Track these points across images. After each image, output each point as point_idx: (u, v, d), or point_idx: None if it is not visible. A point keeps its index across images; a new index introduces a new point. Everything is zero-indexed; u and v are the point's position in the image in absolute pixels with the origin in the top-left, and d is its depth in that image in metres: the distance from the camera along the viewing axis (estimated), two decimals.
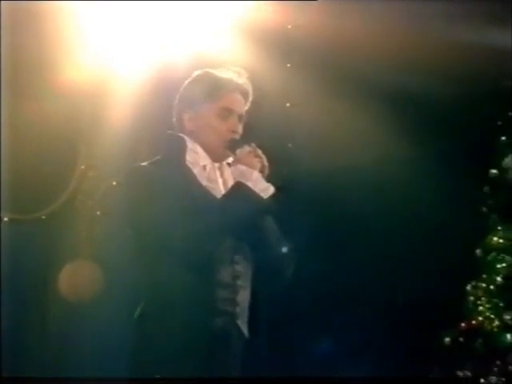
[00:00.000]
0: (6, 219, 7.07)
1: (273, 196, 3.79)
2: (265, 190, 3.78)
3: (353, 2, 6.86)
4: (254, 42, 6.83)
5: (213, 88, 3.93)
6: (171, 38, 6.82)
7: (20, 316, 7.15)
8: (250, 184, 3.77)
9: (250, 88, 3.98)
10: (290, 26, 6.88)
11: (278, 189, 3.83)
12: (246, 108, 3.99)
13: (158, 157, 3.90)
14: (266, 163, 3.87)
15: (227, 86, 3.93)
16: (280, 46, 6.96)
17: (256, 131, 4.11)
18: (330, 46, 6.84)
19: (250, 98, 3.99)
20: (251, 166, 3.81)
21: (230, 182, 3.90)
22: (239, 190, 3.75)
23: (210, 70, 4.00)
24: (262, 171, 3.83)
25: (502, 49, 6.79)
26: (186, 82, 4.03)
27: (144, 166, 3.84)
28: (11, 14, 6.65)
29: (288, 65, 7.05)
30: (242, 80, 3.96)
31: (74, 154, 7.33)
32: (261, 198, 3.76)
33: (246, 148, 3.87)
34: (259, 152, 3.87)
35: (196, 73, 4.03)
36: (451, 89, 6.80)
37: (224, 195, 3.84)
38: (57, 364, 7.01)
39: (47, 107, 6.76)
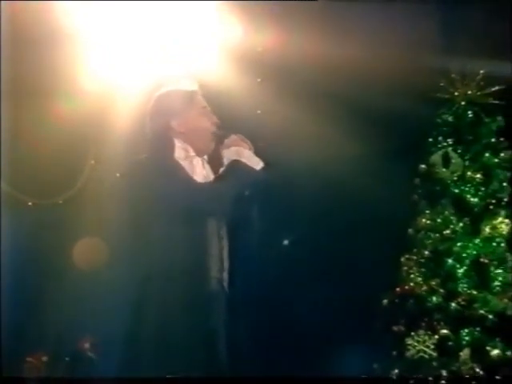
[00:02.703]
0: (30, 204, 7.39)
1: (263, 168, 3.99)
2: (256, 163, 3.99)
3: (312, 26, 6.97)
4: (232, 61, 6.98)
5: (189, 96, 4.14)
6: (159, 57, 6.86)
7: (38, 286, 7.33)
8: (244, 160, 3.97)
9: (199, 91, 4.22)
10: (260, 49, 7.00)
11: (266, 163, 4.03)
12: None
13: (146, 155, 4.02)
14: (251, 146, 4.09)
15: (195, 92, 4.18)
16: (252, 65, 7.05)
17: (233, 133, 4.24)
18: (293, 63, 7.01)
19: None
20: (242, 147, 4.05)
21: (210, 174, 4.08)
22: (237, 164, 3.96)
23: (174, 86, 4.19)
24: (250, 150, 4.05)
25: (431, 69, 7.03)
26: (158, 97, 4.17)
27: (142, 158, 4.01)
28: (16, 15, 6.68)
29: (258, 79, 7.19)
30: (196, 86, 4.20)
31: (85, 151, 7.54)
32: (255, 169, 3.96)
33: (233, 136, 4.08)
34: (244, 138, 4.10)
35: (163, 90, 4.18)
36: (391, 100, 6.88)
37: (223, 171, 4.02)
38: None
39: (66, 115, 6.93)
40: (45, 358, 6.93)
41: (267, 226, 4.18)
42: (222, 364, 3.87)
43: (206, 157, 4.12)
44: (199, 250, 3.88)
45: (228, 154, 4.04)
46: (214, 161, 4.13)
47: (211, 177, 4.06)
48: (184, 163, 3.97)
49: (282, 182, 6.45)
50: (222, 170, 4.04)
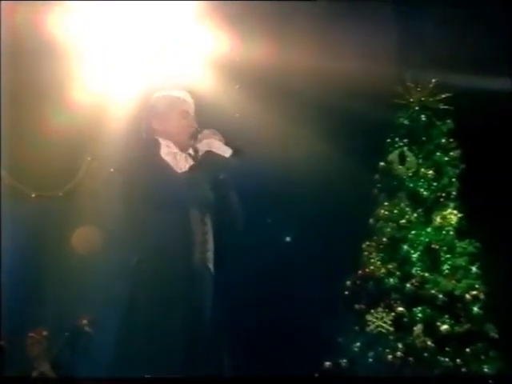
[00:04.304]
0: (33, 195, 7.55)
1: (231, 155, 4.07)
2: (226, 151, 4.07)
3: (283, 39, 7.18)
4: (213, 70, 7.24)
5: (174, 100, 4.26)
6: (147, 68, 7.07)
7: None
8: (214, 150, 4.06)
9: (191, 99, 4.34)
10: (238, 59, 7.16)
11: (234, 151, 4.08)
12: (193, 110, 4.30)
13: (136, 152, 4.09)
14: (222, 138, 4.15)
15: (182, 98, 4.28)
16: (231, 73, 7.25)
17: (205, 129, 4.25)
18: (267, 72, 7.15)
19: (193, 106, 4.33)
20: (213, 139, 4.13)
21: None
22: (208, 155, 4.06)
23: (166, 92, 4.33)
24: (220, 141, 4.11)
25: (389, 78, 7.17)
26: (151, 100, 4.30)
27: (134, 156, 4.09)
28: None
29: (237, 86, 7.34)
30: (187, 95, 4.34)
31: (83, 149, 7.65)
32: (224, 156, 4.06)
33: (205, 131, 4.17)
34: (215, 131, 4.18)
35: (156, 95, 4.32)
36: (354, 105, 7.08)
37: (198, 161, 4.08)
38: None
39: (67, 116, 7.11)
40: (45, 333, 7.04)
41: (239, 208, 4.23)
42: (206, 337, 3.93)
43: (191, 151, 4.19)
44: (183, 233, 3.95)
45: (201, 147, 4.12)
46: (195, 155, 4.18)
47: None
48: (168, 158, 4.06)
49: (253, 172, 6.44)
50: (198, 160, 4.13)
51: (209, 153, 4.07)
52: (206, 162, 4.06)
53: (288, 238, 8.03)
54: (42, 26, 6.93)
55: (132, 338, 3.89)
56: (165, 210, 3.89)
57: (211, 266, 4.07)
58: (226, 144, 4.13)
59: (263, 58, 7.07)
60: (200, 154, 4.12)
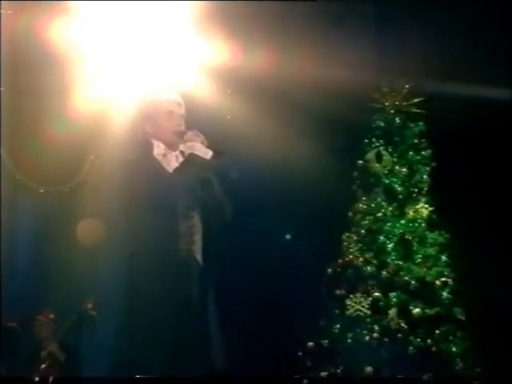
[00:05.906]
0: (41, 190, 7.64)
1: (212, 157, 4.14)
2: (206, 153, 4.14)
3: (272, 48, 7.34)
4: (206, 75, 7.37)
5: (162, 102, 4.30)
6: (146, 73, 7.18)
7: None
8: (196, 152, 4.12)
9: (181, 100, 4.36)
10: (231, 66, 7.29)
11: (214, 153, 4.15)
12: (183, 111, 4.34)
13: (134, 156, 4.23)
14: (204, 139, 4.19)
15: (169, 100, 4.31)
16: (224, 78, 7.39)
17: (207, 135, 4.26)
18: (257, 78, 7.28)
19: (183, 106, 4.35)
20: (195, 141, 4.18)
21: None
22: (191, 157, 4.13)
23: (157, 95, 4.39)
24: (202, 143, 4.17)
25: (366, 84, 7.29)
26: (144, 104, 4.38)
27: (131, 158, 4.24)
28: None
29: (228, 91, 7.51)
30: (176, 96, 4.37)
31: (87, 149, 7.79)
32: (205, 158, 4.13)
33: (190, 132, 4.21)
34: (198, 133, 4.21)
35: (148, 98, 4.39)
36: (335, 108, 7.18)
37: (181, 163, 4.15)
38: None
39: (71, 120, 7.26)
40: (52, 316, 7.10)
41: (225, 202, 4.26)
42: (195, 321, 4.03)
43: (182, 148, 4.23)
44: (171, 227, 4.03)
45: (185, 149, 4.17)
46: (183, 154, 4.22)
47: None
48: (160, 157, 4.17)
49: (239, 169, 6.71)
50: (181, 161, 4.19)
51: (192, 155, 4.16)
52: (189, 163, 4.14)
53: (288, 236, 8.16)
54: (40, 29, 7.05)
55: (127, 327, 4.08)
56: (155, 207, 3.99)
57: (199, 256, 4.14)
58: (208, 146, 4.19)
59: (254, 65, 7.23)
60: (185, 154, 4.20)
